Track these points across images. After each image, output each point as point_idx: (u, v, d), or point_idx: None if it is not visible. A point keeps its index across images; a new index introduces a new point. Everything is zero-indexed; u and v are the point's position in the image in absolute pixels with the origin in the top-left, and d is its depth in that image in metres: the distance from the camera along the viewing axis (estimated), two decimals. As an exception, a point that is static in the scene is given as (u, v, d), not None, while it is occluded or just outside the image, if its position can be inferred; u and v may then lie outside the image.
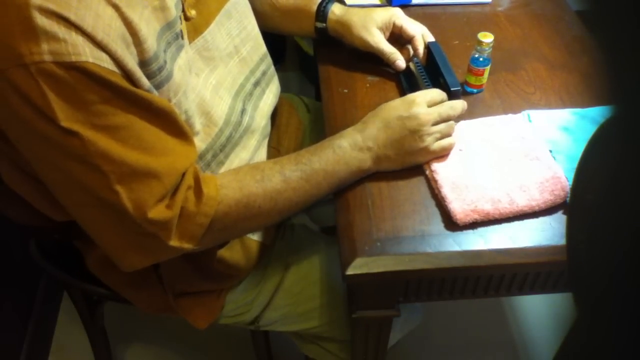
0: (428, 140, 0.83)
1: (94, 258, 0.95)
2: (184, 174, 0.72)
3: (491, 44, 0.95)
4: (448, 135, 0.86)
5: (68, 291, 1.16)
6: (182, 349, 1.50)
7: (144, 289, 0.96)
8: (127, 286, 0.97)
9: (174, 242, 0.73)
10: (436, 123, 0.84)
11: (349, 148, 0.82)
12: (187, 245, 0.74)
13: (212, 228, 0.76)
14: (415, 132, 0.82)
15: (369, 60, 1.03)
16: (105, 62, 0.62)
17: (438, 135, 0.84)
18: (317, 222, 1.47)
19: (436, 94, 0.87)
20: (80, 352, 1.45)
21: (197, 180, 0.74)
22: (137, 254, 0.75)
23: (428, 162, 0.86)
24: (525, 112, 0.94)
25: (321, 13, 1.03)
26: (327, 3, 1.03)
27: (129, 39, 0.66)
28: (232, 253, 0.95)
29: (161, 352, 1.50)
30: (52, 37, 0.59)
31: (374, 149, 0.83)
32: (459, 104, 0.88)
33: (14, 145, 0.70)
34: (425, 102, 0.85)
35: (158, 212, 0.70)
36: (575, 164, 0.46)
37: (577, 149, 0.88)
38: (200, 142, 0.80)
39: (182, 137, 0.73)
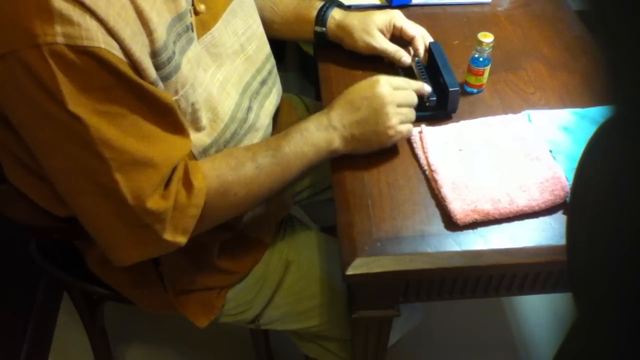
0: (393, 120, 0.84)
1: (94, 257, 0.95)
2: (176, 167, 0.73)
3: (491, 44, 0.95)
4: (410, 120, 0.88)
5: (68, 291, 1.16)
6: (182, 349, 1.50)
7: (145, 287, 0.96)
8: (128, 285, 0.97)
9: (167, 236, 0.73)
10: (400, 105, 0.86)
11: (315, 129, 0.84)
12: (181, 239, 0.75)
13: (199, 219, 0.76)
14: (379, 112, 0.84)
15: (369, 60, 1.03)
16: (115, 50, 0.63)
17: (402, 117, 0.86)
18: (317, 222, 1.47)
19: (400, 79, 0.89)
20: (80, 352, 1.44)
21: (186, 172, 0.74)
22: (132, 248, 0.75)
23: (428, 162, 0.86)
24: (525, 112, 0.94)
25: (321, 18, 1.03)
26: (327, 8, 1.03)
27: (140, 28, 0.67)
28: (232, 251, 0.95)
29: (161, 352, 1.50)
30: (67, 20, 0.60)
31: (339, 129, 0.84)
32: (421, 88, 0.91)
33: (17, 136, 0.70)
34: (389, 84, 0.86)
35: (154, 202, 0.70)
36: (575, 164, 0.46)
37: (577, 149, 0.88)
38: (205, 137, 0.81)
39: (179, 131, 0.74)
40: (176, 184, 0.73)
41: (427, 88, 0.92)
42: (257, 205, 0.84)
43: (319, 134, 0.84)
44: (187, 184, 0.74)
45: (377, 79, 0.86)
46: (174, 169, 0.73)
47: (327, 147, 0.84)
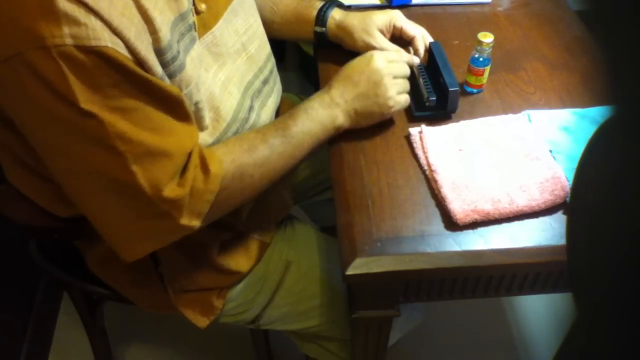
0: (391, 91, 0.88)
1: (94, 257, 0.95)
2: (190, 154, 0.74)
3: (491, 44, 0.95)
4: (405, 90, 0.91)
5: (68, 291, 1.16)
6: (182, 349, 1.50)
7: (145, 287, 0.96)
8: (128, 285, 0.97)
9: (184, 221, 0.74)
10: (395, 77, 0.90)
11: (319, 107, 0.87)
12: (195, 223, 0.76)
13: (214, 203, 0.77)
14: (378, 84, 0.88)
15: (369, 60, 1.03)
16: (121, 48, 0.64)
17: (399, 87, 0.90)
18: (317, 222, 1.47)
19: (392, 53, 0.94)
20: (80, 352, 1.45)
21: (202, 159, 0.76)
22: (145, 240, 0.76)
23: (428, 162, 0.86)
24: (525, 112, 0.94)
25: (321, 18, 1.03)
26: (327, 8, 1.04)
27: (144, 26, 0.67)
28: (232, 251, 0.95)
29: (161, 352, 1.50)
30: (73, 21, 0.60)
31: (341, 105, 0.88)
32: (411, 60, 0.96)
33: (19, 137, 0.70)
34: (383, 57, 0.90)
35: (171, 190, 0.71)
36: (575, 164, 0.46)
37: (577, 149, 0.88)
38: (208, 137, 0.81)
39: (187, 120, 0.75)
40: (193, 171, 0.74)
41: (415, 59, 0.98)
42: (269, 186, 0.86)
43: (323, 111, 0.87)
44: (205, 169, 0.75)
45: (372, 54, 0.90)
46: (189, 157, 0.74)
47: (332, 123, 0.87)
